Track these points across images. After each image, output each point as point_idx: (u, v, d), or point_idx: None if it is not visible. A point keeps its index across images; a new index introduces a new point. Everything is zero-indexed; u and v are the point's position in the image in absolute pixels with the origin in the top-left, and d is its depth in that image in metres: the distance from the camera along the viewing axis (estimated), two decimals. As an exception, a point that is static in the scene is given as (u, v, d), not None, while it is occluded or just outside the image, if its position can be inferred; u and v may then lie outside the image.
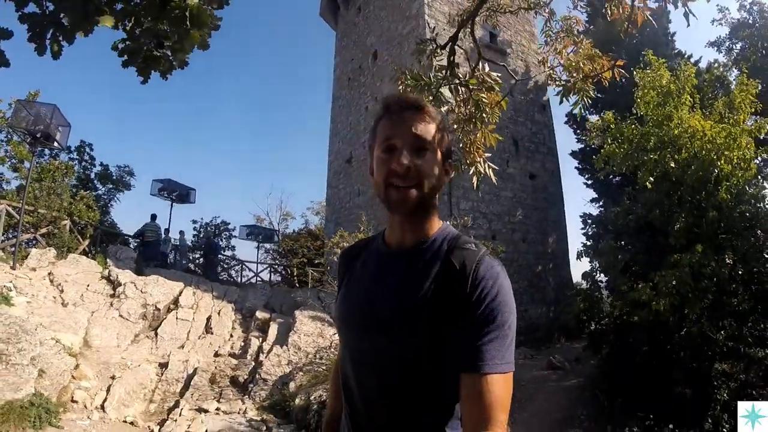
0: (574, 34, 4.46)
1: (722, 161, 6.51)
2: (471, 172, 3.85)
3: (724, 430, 6.11)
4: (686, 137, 6.75)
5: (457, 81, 3.53)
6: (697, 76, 7.83)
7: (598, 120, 7.57)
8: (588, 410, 7.56)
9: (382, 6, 15.93)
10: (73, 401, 6.71)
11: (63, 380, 6.75)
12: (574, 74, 3.64)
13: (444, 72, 3.57)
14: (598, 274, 8.29)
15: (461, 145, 3.81)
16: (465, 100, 3.52)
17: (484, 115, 3.64)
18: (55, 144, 9.23)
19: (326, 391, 7.18)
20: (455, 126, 3.74)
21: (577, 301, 8.07)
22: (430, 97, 3.48)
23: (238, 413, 7.26)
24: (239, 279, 15.68)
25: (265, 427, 6.84)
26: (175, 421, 6.77)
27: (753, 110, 6.62)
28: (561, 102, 3.80)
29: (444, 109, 3.55)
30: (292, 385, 7.85)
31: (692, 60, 12.52)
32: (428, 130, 1.01)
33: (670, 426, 6.19)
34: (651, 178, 7.07)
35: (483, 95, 3.46)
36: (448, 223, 1.08)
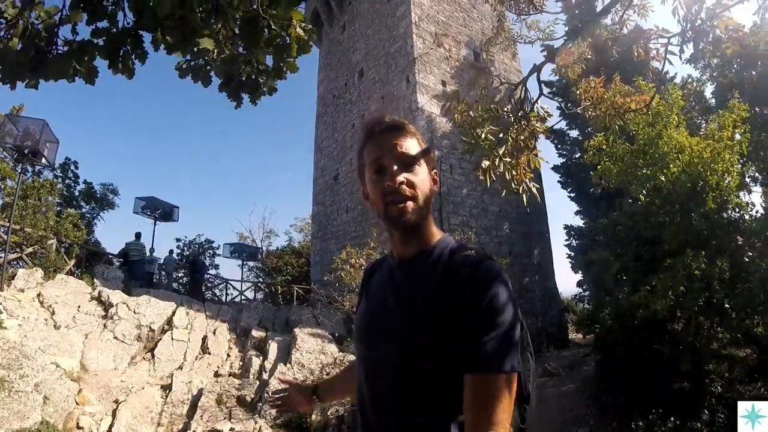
0: (583, 61, 4.90)
1: (708, 173, 7.06)
2: (520, 190, 4.15)
3: (720, 419, 6.54)
4: (675, 153, 7.27)
5: (521, 113, 3.82)
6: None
7: (593, 140, 8.05)
8: (592, 410, 7.87)
9: (368, 24, 16.24)
10: (78, 427, 6.41)
11: (67, 406, 6.46)
12: (610, 108, 4.02)
13: (512, 105, 3.86)
14: (594, 283, 8.71)
15: (510, 168, 4.12)
16: (522, 129, 3.80)
17: (535, 141, 3.99)
18: (44, 161, 8.88)
19: (341, 407, 7.17)
20: (505, 151, 4.03)
21: (580, 307, 8.42)
22: (495, 126, 3.78)
23: (253, 432, 7.10)
24: (224, 297, 15.35)
25: (285, 445, 6.73)
26: (190, 443, 6.56)
27: (742, 130, 7.22)
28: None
29: (501, 136, 3.82)
30: (304, 402, 7.74)
31: (668, 76, 13.37)
32: (413, 145, 1.07)
33: (672, 419, 6.54)
34: (644, 191, 7.54)
35: (537, 125, 3.77)
36: (448, 234, 1.13)
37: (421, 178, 1.04)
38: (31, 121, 8.87)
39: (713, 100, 11.47)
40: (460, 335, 0.90)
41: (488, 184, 3.81)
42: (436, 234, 1.09)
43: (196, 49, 2.81)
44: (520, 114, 3.74)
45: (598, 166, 8.04)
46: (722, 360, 7.37)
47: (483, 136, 3.48)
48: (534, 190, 4.27)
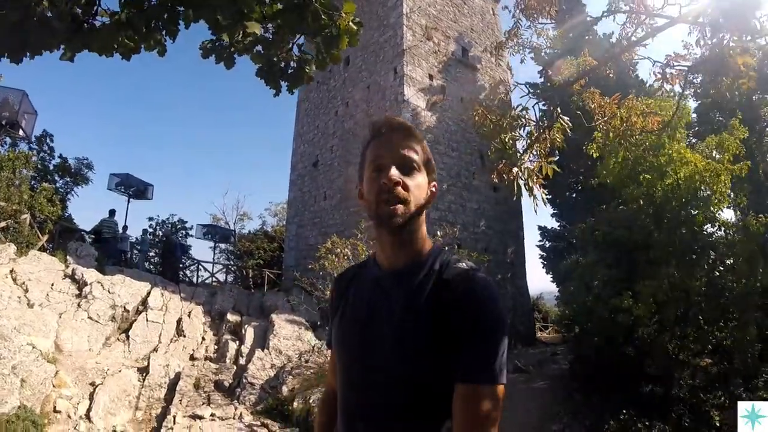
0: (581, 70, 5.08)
1: (703, 190, 7.40)
2: (531, 194, 4.32)
3: (686, 423, 6.96)
4: (675, 165, 7.53)
5: (548, 122, 3.95)
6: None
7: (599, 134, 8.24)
8: (565, 407, 8.19)
9: (357, 12, 15.90)
10: (55, 411, 6.20)
11: (45, 389, 6.24)
12: (625, 125, 4.21)
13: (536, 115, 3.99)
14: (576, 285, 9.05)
15: (531, 174, 4.27)
16: (543, 139, 3.92)
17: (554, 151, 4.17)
18: (21, 132, 8.45)
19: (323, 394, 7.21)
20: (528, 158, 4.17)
21: (565, 307, 8.73)
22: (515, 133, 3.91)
23: (234, 419, 7.06)
24: (195, 279, 15.05)
25: (268, 432, 6.73)
26: (171, 429, 6.47)
27: (737, 152, 7.58)
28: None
29: (523, 143, 3.94)
30: (284, 389, 7.75)
31: (654, 88, 13.89)
32: (415, 150, 1.06)
33: (643, 420, 6.91)
34: (642, 196, 7.82)
35: (558, 136, 3.90)
36: (437, 244, 1.13)
37: (418, 183, 1.04)
38: (10, 91, 8.42)
39: (695, 115, 12.00)
40: (456, 348, 0.92)
41: (515, 193, 3.93)
42: (428, 244, 1.09)
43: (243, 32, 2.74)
44: (545, 124, 3.86)
45: (602, 162, 8.25)
46: (687, 367, 7.71)
47: (509, 141, 3.59)
48: (540, 195, 4.46)
